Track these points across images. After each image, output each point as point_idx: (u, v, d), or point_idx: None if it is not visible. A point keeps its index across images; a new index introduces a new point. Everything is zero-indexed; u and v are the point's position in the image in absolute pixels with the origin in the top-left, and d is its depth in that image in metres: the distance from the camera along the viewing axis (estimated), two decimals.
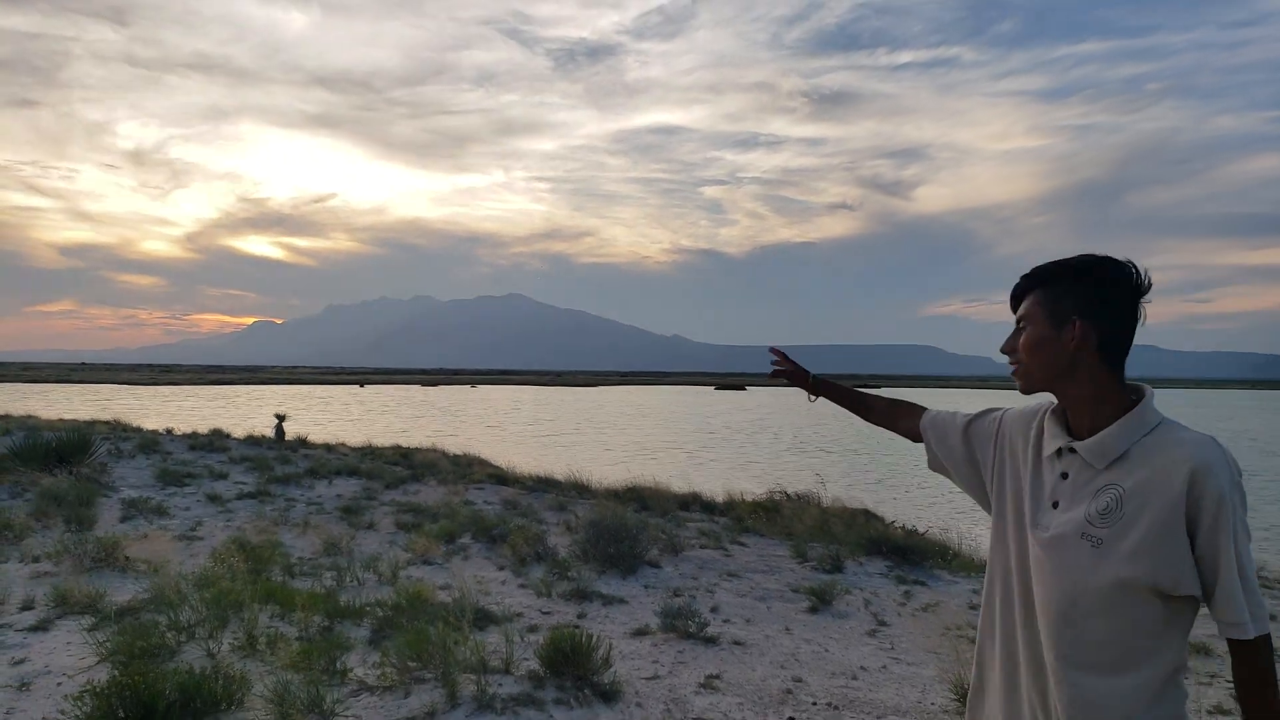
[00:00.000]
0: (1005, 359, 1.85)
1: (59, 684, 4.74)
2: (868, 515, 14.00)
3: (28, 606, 6.24)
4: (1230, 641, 1.61)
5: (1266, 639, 1.59)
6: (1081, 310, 1.71)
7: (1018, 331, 1.81)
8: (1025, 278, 1.82)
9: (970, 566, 9.76)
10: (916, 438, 2.12)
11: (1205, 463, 1.57)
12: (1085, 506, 1.66)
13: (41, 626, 5.80)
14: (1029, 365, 1.79)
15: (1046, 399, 1.87)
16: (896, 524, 13.19)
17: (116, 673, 4.22)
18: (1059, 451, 1.75)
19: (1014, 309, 1.84)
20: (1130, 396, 1.72)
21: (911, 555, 9.51)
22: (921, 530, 12.58)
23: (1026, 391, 1.82)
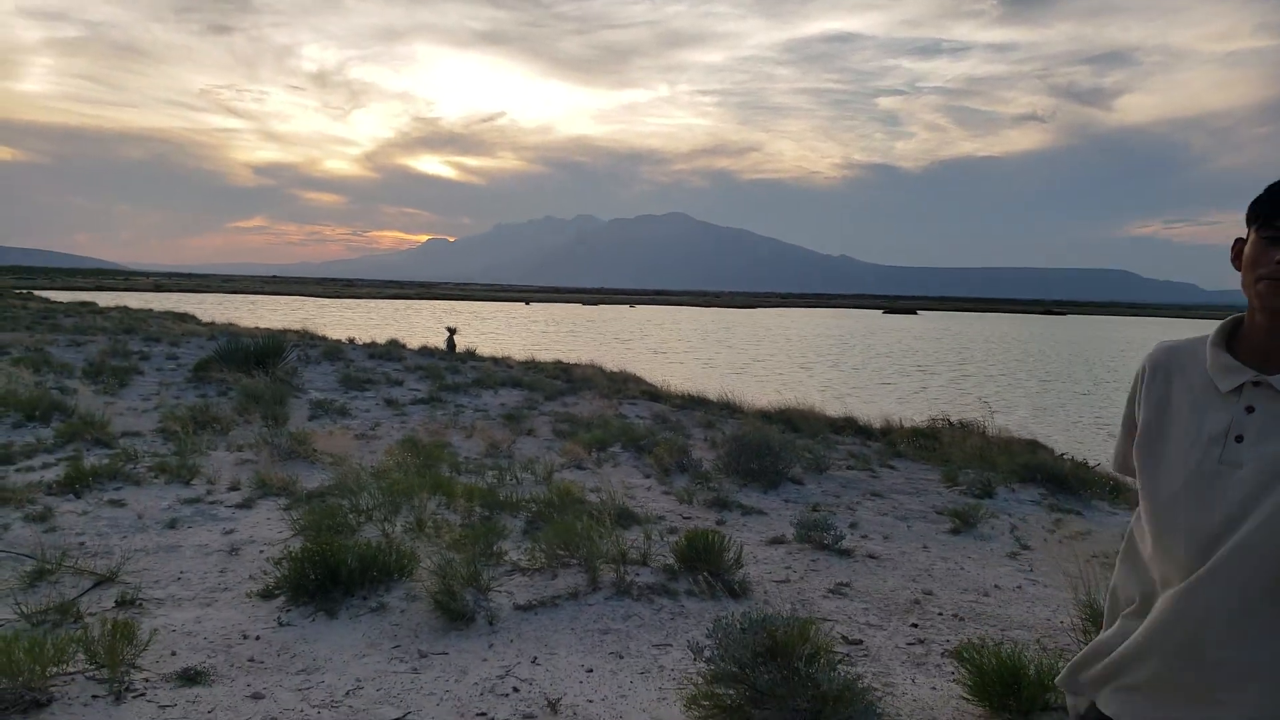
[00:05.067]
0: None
1: (261, 551, 5.46)
2: (1035, 446, 13.57)
3: (234, 487, 7.11)
4: None
5: None
6: None
7: None
8: None
9: (1136, 500, 9.43)
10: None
11: None
12: None
13: (246, 504, 6.63)
14: None
15: (1191, 334, 1.74)
16: (1066, 456, 12.73)
17: (308, 543, 4.84)
18: (1239, 387, 1.61)
19: (1274, 222, 1.57)
20: None
21: (1071, 486, 9.26)
22: (1093, 464, 12.11)
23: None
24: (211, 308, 58.08)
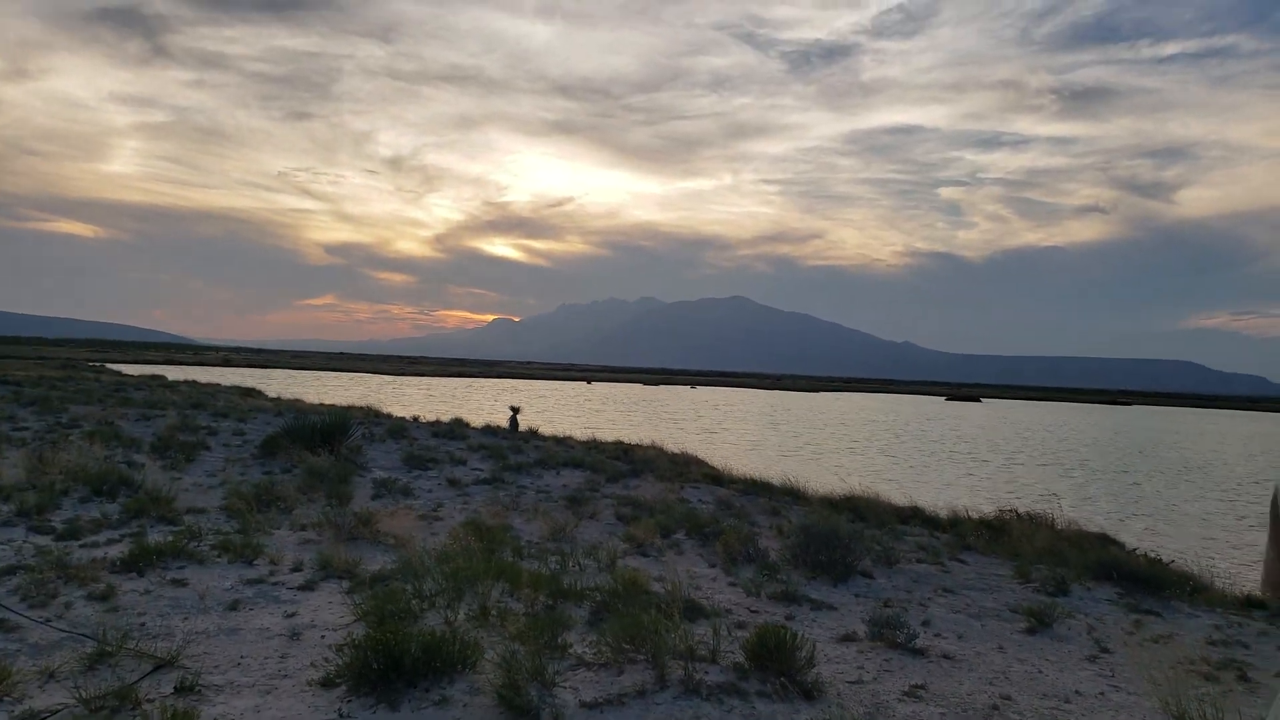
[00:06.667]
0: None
1: (323, 636, 5.42)
2: (1105, 540, 13.10)
3: (297, 568, 7.12)
4: None
5: None
6: None
7: None
8: None
9: (1217, 600, 8.95)
10: None
11: None
12: None
13: (309, 586, 6.63)
14: None
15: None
16: (1139, 551, 12.27)
17: (370, 630, 4.79)
18: None
19: None
20: None
21: (1148, 584, 8.84)
22: (1166, 560, 11.63)
23: None
24: (278, 383, 59.54)
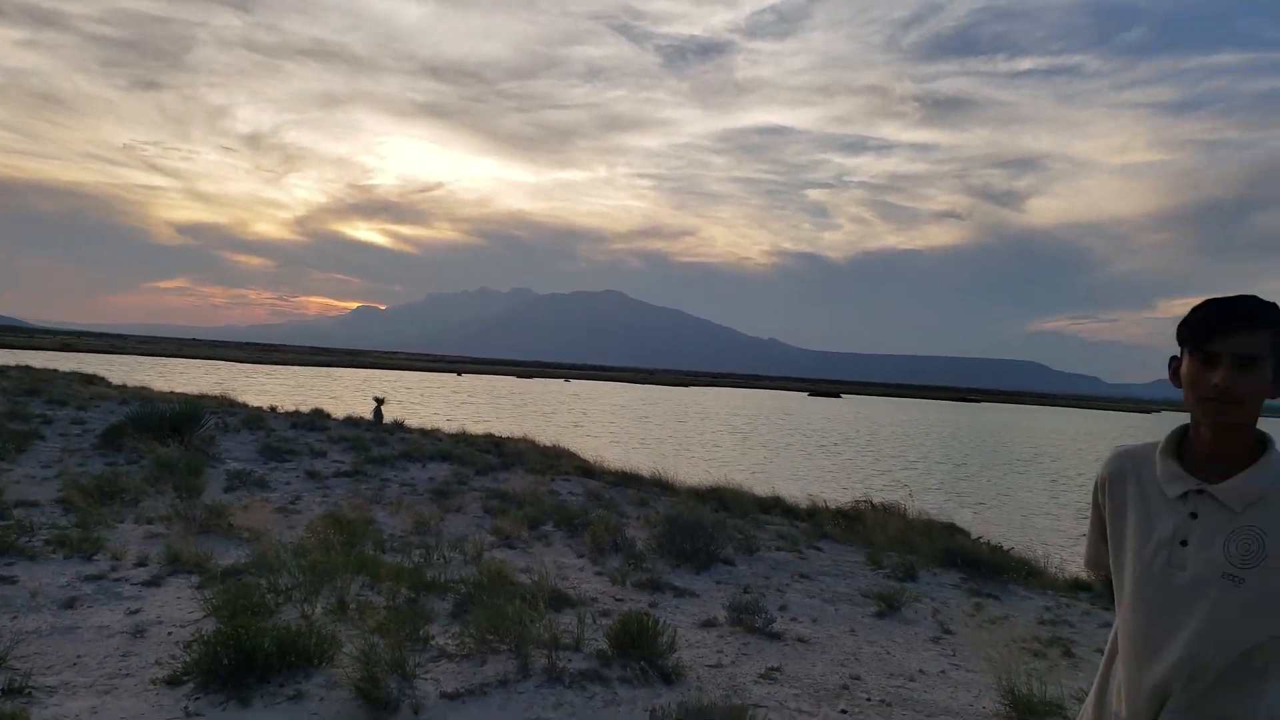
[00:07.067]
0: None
1: (169, 633, 5.18)
2: (952, 529, 13.85)
3: (142, 563, 6.76)
4: None
5: None
6: None
7: (1244, 368, 1.67)
8: (1262, 312, 1.69)
9: (1049, 584, 9.62)
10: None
11: None
12: (1222, 547, 1.67)
13: (154, 582, 6.30)
14: (1250, 408, 1.68)
15: (1143, 438, 1.91)
16: (982, 540, 13.02)
17: (221, 625, 4.61)
18: (1184, 494, 1.74)
19: (1228, 338, 1.67)
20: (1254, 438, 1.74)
21: (989, 569, 9.42)
22: (1007, 548, 12.39)
23: (1225, 433, 1.71)
24: (124, 370, 56.12)
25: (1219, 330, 1.66)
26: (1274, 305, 1.69)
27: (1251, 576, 1.63)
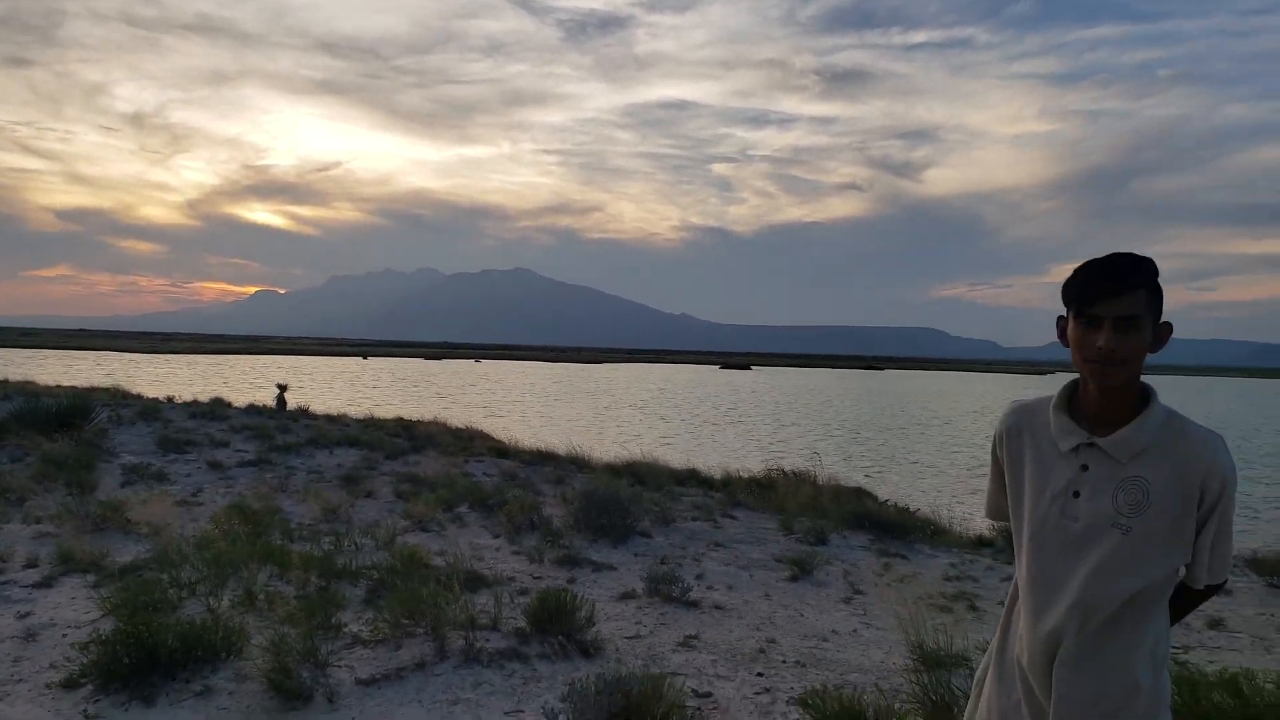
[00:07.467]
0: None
1: (64, 635, 4.94)
2: (860, 493, 14.25)
3: (31, 564, 6.43)
4: (1182, 582, 1.84)
5: (1210, 588, 1.82)
6: (1159, 312, 1.77)
7: (1125, 330, 1.72)
8: (1136, 273, 1.74)
9: (953, 541, 9.98)
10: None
11: (1217, 457, 1.73)
12: (1112, 498, 1.75)
13: (45, 583, 5.99)
14: (1133, 366, 1.75)
15: (1036, 391, 1.98)
16: (890, 502, 13.45)
17: (120, 623, 4.42)
18: (1076, 447, 1.80)
19: (1107, 302, 1.72)
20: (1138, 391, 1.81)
21: (896, 530, 9.73)
22: (913, 509, 12.82)
23: (1112, 391, 1.78)
24: (4, 365, 53.23)
25: (1098, 295, 1.72)
26: (1148, 260, 1.75)
27: (1138, 525, 1.72)
